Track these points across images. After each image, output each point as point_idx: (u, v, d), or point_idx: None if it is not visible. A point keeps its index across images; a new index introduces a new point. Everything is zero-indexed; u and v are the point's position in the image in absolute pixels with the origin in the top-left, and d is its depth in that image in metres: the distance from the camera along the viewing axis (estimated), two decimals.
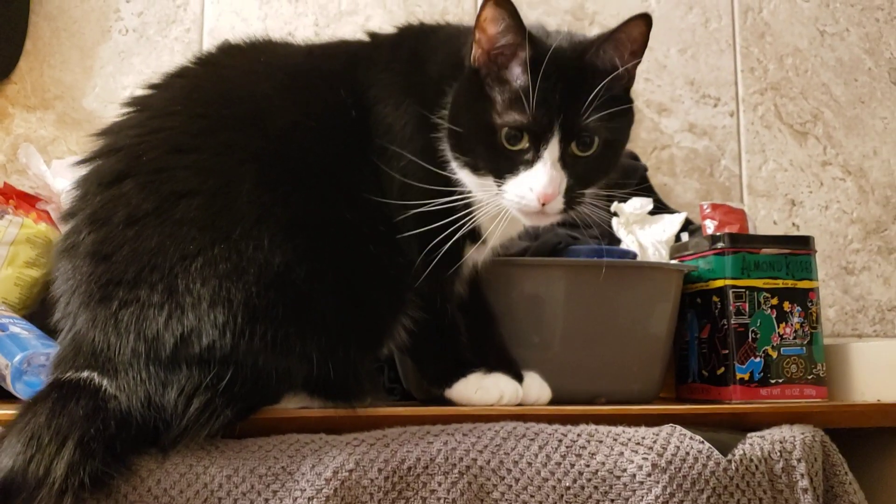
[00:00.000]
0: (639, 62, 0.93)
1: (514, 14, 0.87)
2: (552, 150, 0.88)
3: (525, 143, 0.88)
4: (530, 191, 0.88)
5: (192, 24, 1.62)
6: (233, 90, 0.92)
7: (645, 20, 0.90)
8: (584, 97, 0.87)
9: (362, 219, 0.88)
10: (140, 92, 0.94)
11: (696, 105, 1.71)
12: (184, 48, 1.61)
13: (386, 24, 1.63)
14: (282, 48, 1.00)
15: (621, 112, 0.91)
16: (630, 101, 0.94)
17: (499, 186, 0.89)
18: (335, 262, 0.85)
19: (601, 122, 0.89)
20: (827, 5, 1.77)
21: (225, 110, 0.89)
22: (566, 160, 0.89)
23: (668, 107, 1.70)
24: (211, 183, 0.83)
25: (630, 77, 0.94)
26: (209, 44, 1.61)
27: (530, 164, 0.88)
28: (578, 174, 0.90)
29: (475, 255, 0.99)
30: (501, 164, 0.89)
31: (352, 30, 1.64)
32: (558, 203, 0.89)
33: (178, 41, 1.61)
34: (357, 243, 0.87)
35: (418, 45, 1.00)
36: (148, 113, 0.90)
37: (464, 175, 0.93)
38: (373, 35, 1.02)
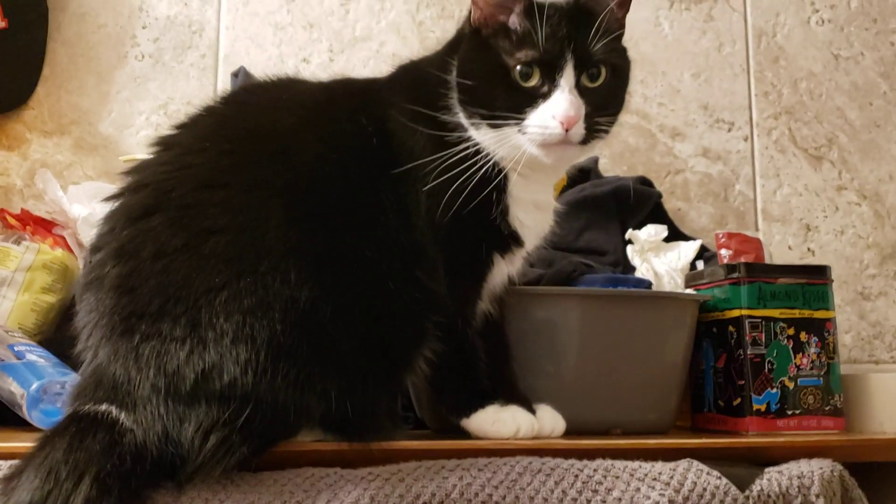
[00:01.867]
0: (627, 12, 0.99)
1: None
2: (567, 78, 0.92)
3: (537, 79, 0.92)
4: (553, 118, 0.91)
5: (208, 50, 1.63)
6: (259, 126, 0.92)
7: None
8: (588, 30, 0.93)
9: (381, 255, 0.88)
10: (167, 131, 0.95)
11: (710, 129, 1.71)
12: (199, 74, 1.62)
13: (400, 50, 1.65)
14: (301, 85, 1.02)
15: (621, 46, 0.99)
16: (625, 48, 1.00)
17: (518, 125, 0.93)
18: (358, 300, 0.85)
19: (607, 51, 0.94)
20: (841, 29, 1.77)
21: (252, 146, 0.89)
22: (581, 89, 0.93)
23: (681, 131, 1.70)
24: (240, 219, 0.83)
25: (621, 25, 0.99)
26: (224, 69, 1.62)
27: (548, 95, 0.92)
28: (594, 102, 0.94)
29: (509, 268, 1.01)
30: (519, 101, 0.93)
31: (366, 56, 1.65)
32: (580, 129, 0.92)
33: (193, 67, 1.62)
34: (377, 280, 0.87)
35: (414, 71, 1.05)
36: (176, 150, 0.91)
37: (481, 135, 0.95)
38: (374, 79, 1.07)
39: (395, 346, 0.89)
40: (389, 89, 1.01)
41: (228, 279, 0.79)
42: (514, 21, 0.95)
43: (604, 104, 0.96)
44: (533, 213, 1.00)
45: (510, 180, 0.96)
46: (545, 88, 0.92)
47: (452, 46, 1.01)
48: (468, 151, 0.94)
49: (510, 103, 0.93)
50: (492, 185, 0.94)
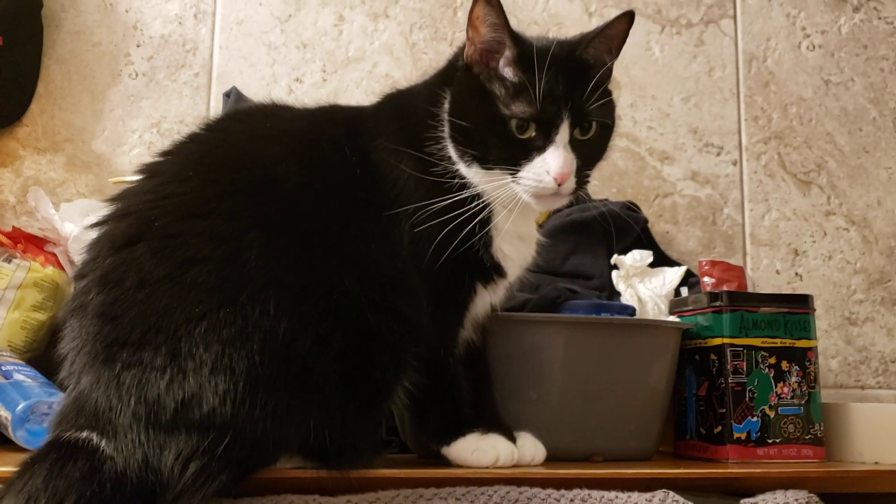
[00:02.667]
0: (615, 59, 1.01)
1: (501, 12, 0.94)
2: (563, 136, 0.94)
3: (532, 132, 0.94)
4: (547, 173, 0.93)
5: (201, 69, 1.64)
6: (243, 155, 0.93)
7: (629, 17, 0.98)
8: (584, 87, 0.95)
9: (362, 286, 0.89)
10: (151, 158, 0.96)
11: (700, 153, 1.72)
12: (192, 92, 1.63)
13: (393, 71, 1.66)
14: (286, 112, 1.02)
15: (610, 100, 1.01)
16: (611, 92, 1.02)
17: (513, 174, 0.95)
18: (338, 331, 0.86)
19: (598, 108, 0.97)
20: (832, 55, 1.79)
21: (235, 175, 0.90)
22: (574, 143, 0.95)
23: (670, 155, 1.71)
24: (221, 250, 0.84)
25: (611, 72, 1.02)
26: (218, 88, 1.63)
27: (542, 149, 0.94)
28: (584, 156, 0.97)
29: (492, 297, 1.02)
30: (514, 153, 0.95)
31: (359, 76, 1.66)
32: (571, 183, 0.95)
33: (186, 85, 1.63)
34: (357, 311, 0.88)
35: (400, 101, 1.06)
36: (160, 178, 0.92)
37: (472, 173, 0.97)
38: (359, 108, 1.08)
39: (374, 376, 0.90)
40: (375, 120, 1.02)
41: (209, 309, 0.80)
42: (507, 69, 0.96)
43: (593, 157, 0.99)
44: (516, 244, 1.01)
45: (495, 214, 0.98)
46: (540, 142, 0.94)
47: (444, 77, 1.02)
48: (461, 193, 0.95)
49: (506, 154, 0.95)
50: (477, 218, 0.95)
